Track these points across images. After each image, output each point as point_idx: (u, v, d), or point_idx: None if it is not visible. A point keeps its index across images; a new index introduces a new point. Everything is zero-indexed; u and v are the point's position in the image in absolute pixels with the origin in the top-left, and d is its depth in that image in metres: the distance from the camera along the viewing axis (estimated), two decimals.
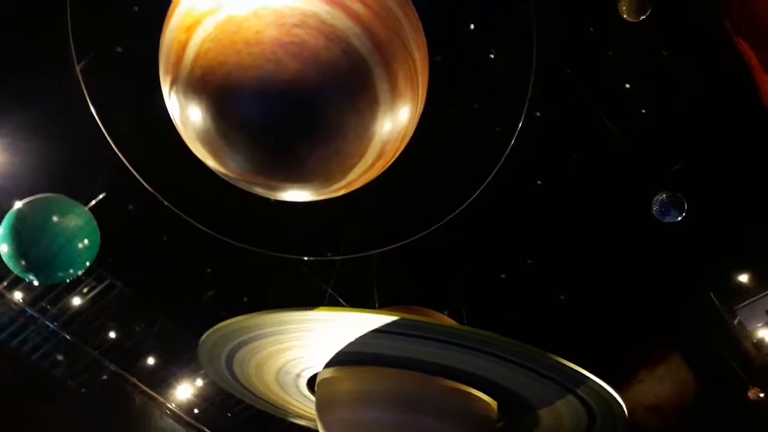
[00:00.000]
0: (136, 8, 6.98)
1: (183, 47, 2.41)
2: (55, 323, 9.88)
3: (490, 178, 7.31)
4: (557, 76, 7.54)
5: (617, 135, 7.74)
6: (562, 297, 10.64)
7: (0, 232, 5.28)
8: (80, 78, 6.26)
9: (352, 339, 5.16)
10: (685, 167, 8.37)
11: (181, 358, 11.31)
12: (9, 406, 8.12)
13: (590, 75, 7.82)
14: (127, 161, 6.75)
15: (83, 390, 9.83)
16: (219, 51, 2.30)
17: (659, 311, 10.20)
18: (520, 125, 7.01)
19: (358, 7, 2.34)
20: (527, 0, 6.56)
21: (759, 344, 10.76)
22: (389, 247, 8.05)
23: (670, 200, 7.24)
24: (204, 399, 11.71)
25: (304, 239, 8.63)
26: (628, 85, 8.12)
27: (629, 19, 6.48)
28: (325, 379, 5.75)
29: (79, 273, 5.84)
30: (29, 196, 5.50)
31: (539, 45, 6.64)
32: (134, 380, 10.36)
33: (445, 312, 7.31)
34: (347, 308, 6.46)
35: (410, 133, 2.96)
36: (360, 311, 4.95)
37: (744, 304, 10.87)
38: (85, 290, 10.28)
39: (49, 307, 10.08)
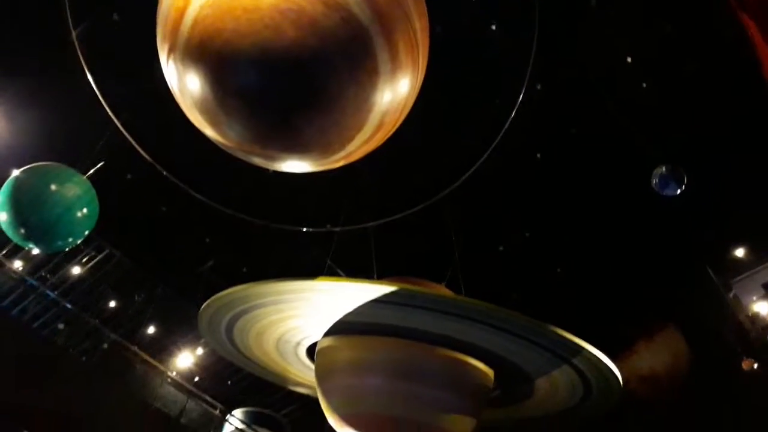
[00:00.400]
0: None
1: (181, 14, 2.38)
2: (55, 292, 9.93)
3: (489, 150, 7.27)
4: (558, 50, 7.46)
5: (617, 109, 7.69)
6: (558, 270, 10.71)
7: None
8: (77, 45, 6.17)
9: (351, 309, 5.21)
10: (684, 141, 8.34)
11: (181, 326, 11.40)
12: (10, 375, 8.19)
13: (590, 48, 7.74)
14: (126, 130, 6.70)
15: (84, 358, 9.91)
16: (217, 17, 2.28)
17: (656, 284, 10.27)
18: (520, 98, 6.95)
19: None
20: None
21: (754, 317, 10.85)
22: (388, 219, 8.06)
23: (671, 173, 7.22)
24: (204, 367, 11.83)
25: (304, 211, 8.64)
26: (629, 59, 8.04)
27: None
28: (324, 348, 5.81)
29: (79, 242, 5.87)
30: (28, 164, 5.50)
31: (541, 19, 6.55)
32: (135, 348, 10.43)
33: (443, 283, 7.35)
34: (346, 278, 6.49)
35: (410, 105, 2.92)
36: (359, 281, 4.98)
37: (740, 277, 10.96)
38: (84, 259, 10.31)
39: (48, 276, 10.12)
